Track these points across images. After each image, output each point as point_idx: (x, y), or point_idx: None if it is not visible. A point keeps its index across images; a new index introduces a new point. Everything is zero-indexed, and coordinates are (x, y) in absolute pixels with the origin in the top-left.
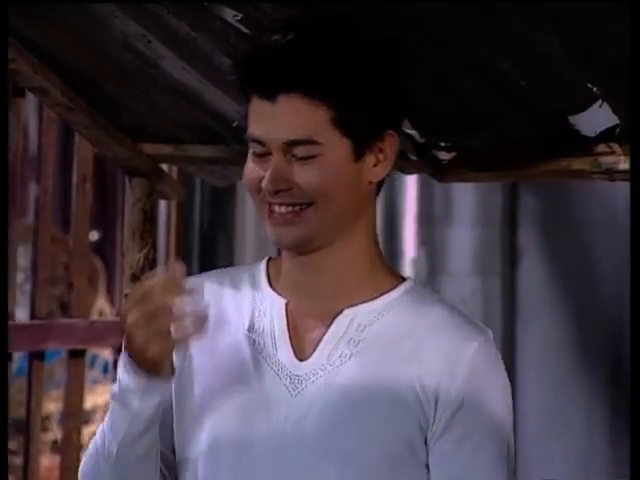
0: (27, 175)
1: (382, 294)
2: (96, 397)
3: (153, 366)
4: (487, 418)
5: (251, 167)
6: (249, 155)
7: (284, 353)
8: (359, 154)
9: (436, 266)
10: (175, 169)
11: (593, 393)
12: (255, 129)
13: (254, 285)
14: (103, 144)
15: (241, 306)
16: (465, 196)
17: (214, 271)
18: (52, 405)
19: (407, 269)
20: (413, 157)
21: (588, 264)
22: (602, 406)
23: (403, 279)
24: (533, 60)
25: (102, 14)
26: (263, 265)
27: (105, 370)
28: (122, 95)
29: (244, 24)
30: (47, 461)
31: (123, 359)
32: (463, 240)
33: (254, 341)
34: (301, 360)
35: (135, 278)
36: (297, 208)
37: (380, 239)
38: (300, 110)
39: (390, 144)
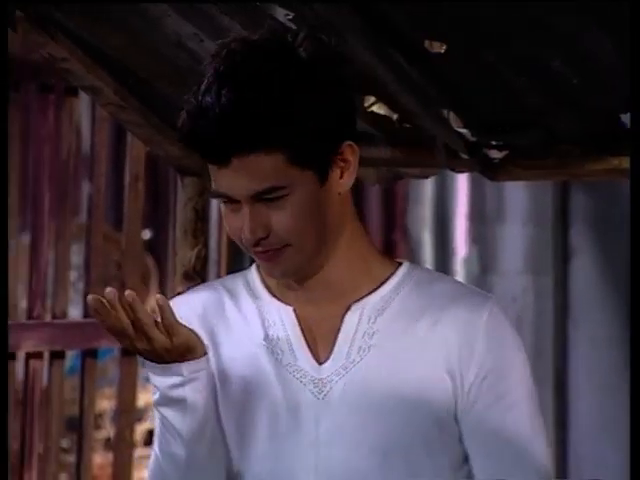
0: (80, 174)
1: (383, 283)
2: (148, 395)
3: (182, 354)
4: (513, 380)
5: (228, 218)
6: (221, 203)
7: (303, 359)
8: (324, 176)
9: (488, 265)
10: None
11: None
12: (218, 187)
13: (253, 295)
14: (155, 143)
15: (247, 317)
16: (516, 194)
17: (205, 284)
18: (105, 403)
19: (459, 268)
20: (464, 156)
21: None
22: None
23: (399, 264)
24: (584, 59)
25: (155, 14)
26: (254, 273)
27: None
28: (174, 94)
29: (296, 23)
30: (100, 458)
31: (150, 370)
32: (515, 238)
33: (271, 351)
34: (320, 363)
35: (187, 276)
36: (274, 252)
37: (431, 238)
38: (255, 166)
39: (350, 153)
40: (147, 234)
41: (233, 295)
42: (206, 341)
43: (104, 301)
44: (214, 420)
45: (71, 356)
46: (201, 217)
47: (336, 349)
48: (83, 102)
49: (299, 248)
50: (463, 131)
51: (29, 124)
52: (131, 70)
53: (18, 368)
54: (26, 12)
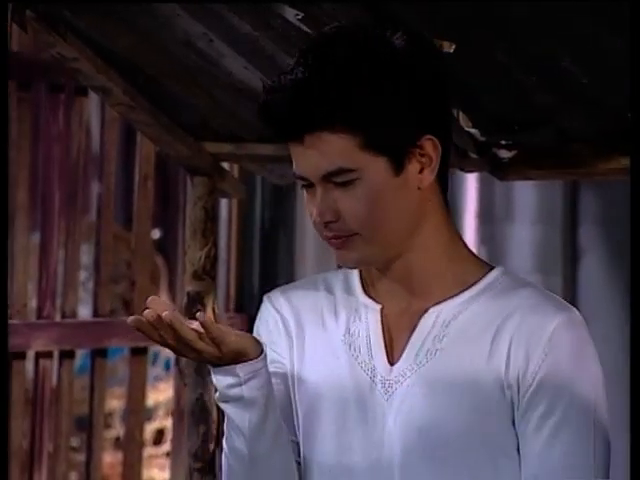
0: (89, 173)
1: (468, 287)
2: (158, 394)
3: (234, 359)
4: (570, 395)
5: (307, 201)
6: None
7: (379, 358)
8: (399, 167)
9: (496, 264)
10: (236, 167)
11: None
12: (295, 167)
13: (348, 290)
14: (165, 142)
15: (337, 311)
16: (526, 194)
17: (307, 278)
18: (114, 402)
19: None
20: (473, 155)
21: None
22: None
23: (491, 268)
24: (594, 58)
25: (164, 13)
26: (356, 271)
27: (167, 367)
28: (184, 94)
29: (305, 23)
30: (109, 457)
31: (212, 373)
32: (524, 238)
33: (350, 346)
34: (392, 364)
35: (196, 276)
36: (344, 239)
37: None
38: (326, 146)
39: (431, 148)
40: (157, 233)
41: (330, 289)
42: (293, 332)
43: (144, 321)
44: (276, 415)
45: (81, 355)
46: (211, 217)
47: (407, 351)
48: (93, 102)
49: (368, 238)
50: (472, 131)
51: (39, 124)
52: (140, 70)
53: (28, 367)
54: (36, 12)
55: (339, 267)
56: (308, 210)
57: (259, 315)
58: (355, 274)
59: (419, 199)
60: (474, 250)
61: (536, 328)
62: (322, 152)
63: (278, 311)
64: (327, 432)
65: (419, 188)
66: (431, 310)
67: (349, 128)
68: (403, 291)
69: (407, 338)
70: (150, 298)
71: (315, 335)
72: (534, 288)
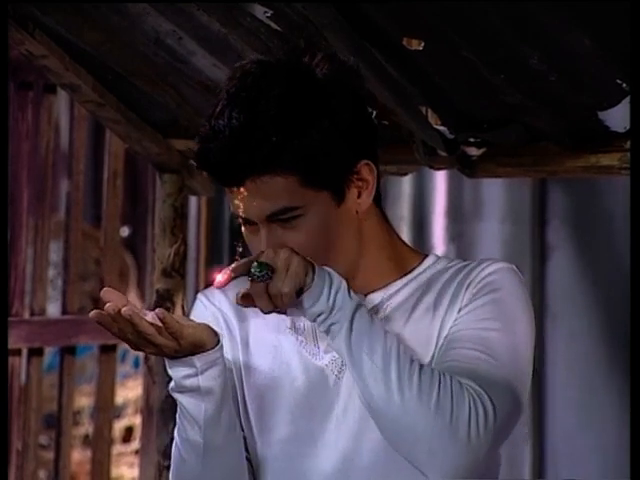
0: (58, 171)
1: (405, 274)
2: (127, 392)
3: (192, 350)
4: (497, 305)
5: (248, 238)
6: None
7: (325, 346)
8: (341, 197)
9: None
10: None
11: (623, 388)
12: (235, 209)
13: None
14: (134, 140)
15: None
16: (494, 192)
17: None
18: (83, 400)
19: None
20: (442, 153)
21: (617, 260)
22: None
23: (427, 255)
24: (563, 56)
25: (133, 11)
26: None
27: (136, 364)
28: (153, 91)
29: (274, 21)
30: (78, 455)
31: (167, 364)
32: (492, 236)
33: (296, 338)
34: None
35: (166, 273)
36: None
37: (409, 235)
38: (268, 188)
39: (368, 171)
40: (126, 231)
41: None
42: (235, 327)
43: (105, 314)
44: (230, 406)
45: (50, 353)
46: (180, 214)
47: None
48: (62, 99)
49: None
50: (441, 128)
51: (8, 121)
52: (109, 67)
53: None
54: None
55: None
56: (251, 246)
57: (193, 313)
58: None
59: (358, 222)
60: (443, 247)
61: (465, 276)
62: (265, 195)
63: (217, 307)
64: (282, 421)
65: (357, 212)
66: (370, 296)
67: (290, 169)
68: None
69: None
70: (104, 290)
71: (259, 327)
72: (465, 261)
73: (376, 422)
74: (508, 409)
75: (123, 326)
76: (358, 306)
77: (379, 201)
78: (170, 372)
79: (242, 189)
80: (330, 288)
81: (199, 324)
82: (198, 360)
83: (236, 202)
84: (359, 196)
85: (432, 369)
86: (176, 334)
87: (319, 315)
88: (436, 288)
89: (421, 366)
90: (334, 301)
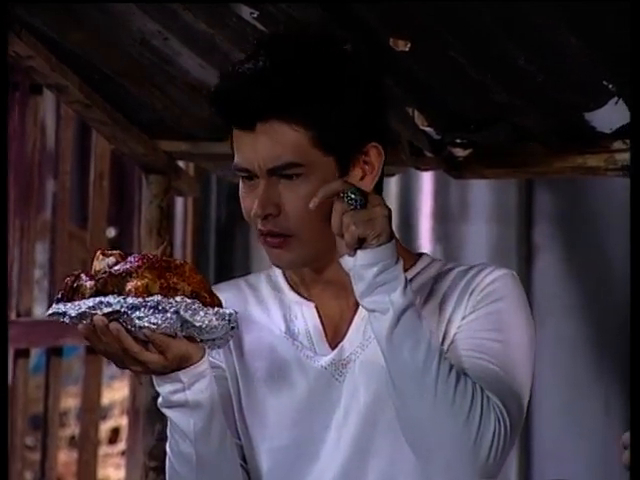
0: (45, 172)
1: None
2: (113, 393)
3: (179, 365)
4: (501, 315)
5: (243, 194)
6: (240, 180)
7: (323, 348)
8: (344, 170)
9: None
10: (192, 166)
11: (609, 391)
12: (238, 159)
13: (275, 290)
14: (120, 141)
15: (269, 311)
16: (480, 193)
17: (228, 282)
18: (70, 401)
19: None
20: (429, 154)
21: (604, 261)
22: (618, 405)
23: (420, 256)
24: (550, 57)
25: (119, 11)
26: (277, 270)
27: None
28: (139, 92)
29: (260, 21)
30: (65, 456)
31: (154, 381)
32: (478, 237)
33: (292, 343)
34: (336, 351)
35: None
36: (281, 239)
37: (395, 236)
38: (278, 136)
39: (375, 155)
40: (112, 232)
41: (256, 290)
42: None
43: (92, 329)
44: (221, 417)
45: (36, 354)
46: (166, 215)
47: (351, 332)
48: (48, 100)
49: (304, 240)
50: (427, 129)
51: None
52: (95, 68)
53: None
54: None
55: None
56: (244, 203)
57: None
58: (279, 275)
59: None
60: (430, 248)
61: (469, 280)
62: (273, 142)
63: None
64: (282, 427)
65: None
66: None
67: (304, 122)
68: (337, 289)
69: (347, 327)
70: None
71: (252, 333)
72: (469, 264)
73: (400, 418)
74: (519, 425)
75: (110, 341)
76: (410, 299)
77: (380, 192)
78: (157, 388)
79: (252, 134)
80: (397, 262)
81: (184, 338)
82: (184, 375)
83: (242, 151)
84: (362, 178)
85: (467, 379)
86: (162, 347)
87: (374, 266)
88: (438, 293)
89: (458, 374)
90: (393, 274)
